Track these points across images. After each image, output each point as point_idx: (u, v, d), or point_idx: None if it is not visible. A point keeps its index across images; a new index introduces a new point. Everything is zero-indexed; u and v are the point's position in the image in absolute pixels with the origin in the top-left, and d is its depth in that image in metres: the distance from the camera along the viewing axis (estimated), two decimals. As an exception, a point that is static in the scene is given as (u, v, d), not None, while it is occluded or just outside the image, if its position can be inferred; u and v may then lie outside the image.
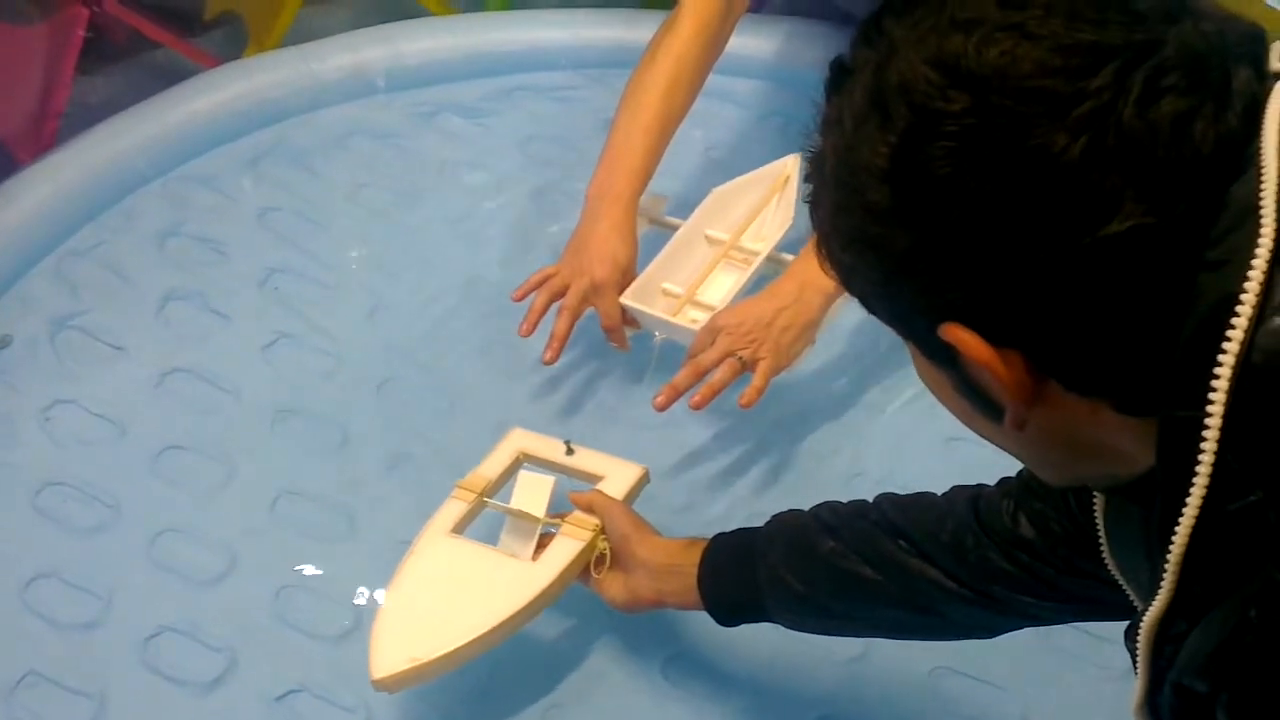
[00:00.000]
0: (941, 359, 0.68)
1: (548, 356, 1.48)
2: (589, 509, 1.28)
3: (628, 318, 1.52)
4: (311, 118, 1.96)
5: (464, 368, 1.63)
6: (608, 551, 1.27)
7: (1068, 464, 0.75)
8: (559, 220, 1.80)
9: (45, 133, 1.86)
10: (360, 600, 1.38)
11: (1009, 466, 0.90)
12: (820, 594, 1.13)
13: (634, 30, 2.03)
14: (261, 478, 1.50)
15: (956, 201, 0.60)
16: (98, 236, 1.77)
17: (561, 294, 1.49)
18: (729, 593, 1.18)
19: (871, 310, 0.70)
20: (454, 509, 1.32)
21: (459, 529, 1.31)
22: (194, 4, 2.14)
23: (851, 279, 0.69)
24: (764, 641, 1.31)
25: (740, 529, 1.21)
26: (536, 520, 1.29)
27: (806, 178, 0.70)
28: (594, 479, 1.35)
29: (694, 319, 1.51)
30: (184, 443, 1.54)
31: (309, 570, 1.41)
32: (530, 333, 1.49)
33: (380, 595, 1.36)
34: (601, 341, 1.55)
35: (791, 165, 1.63)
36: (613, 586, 1.26)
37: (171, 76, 1.99)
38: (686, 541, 1.23)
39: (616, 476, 1.34)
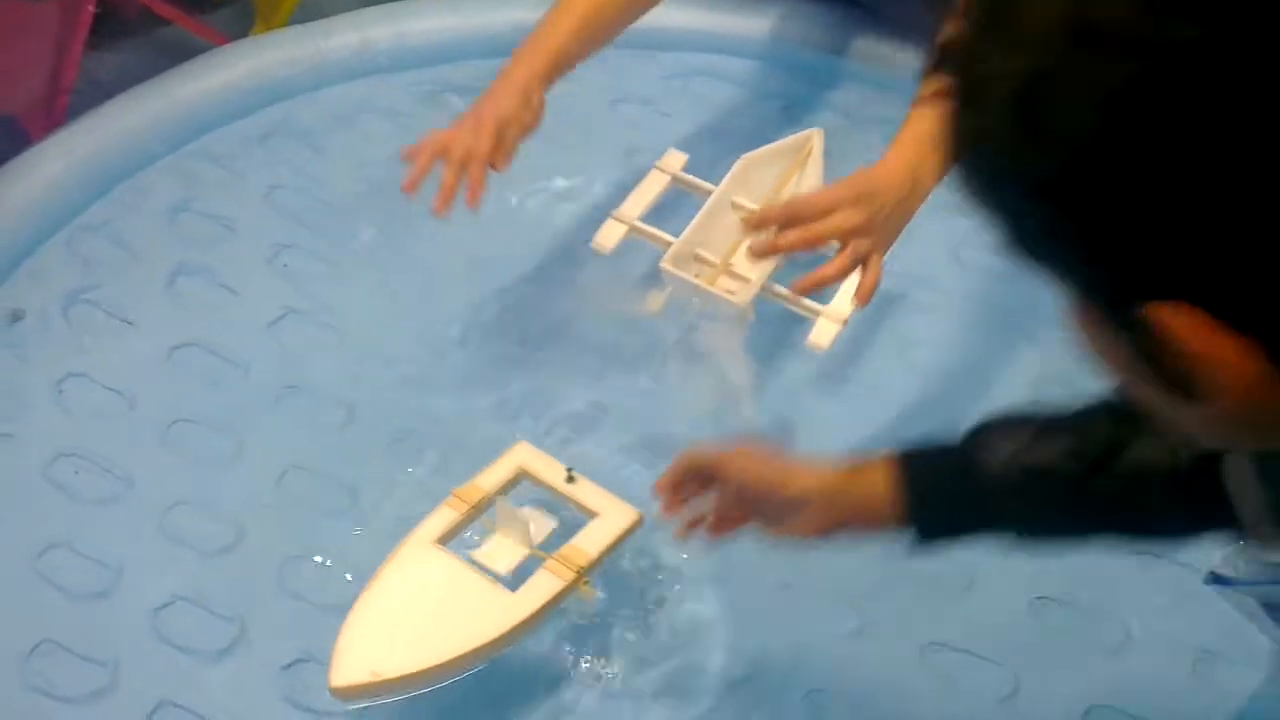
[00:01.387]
0: (1128, 326, 0.56)
1: (437, 207, 1.43)
2: (713, 468, 1.14)
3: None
4: (318, 96, 1.98)
5: (469, 344, 1.66)
6: (590, 596, 1.27)
7: (1258, 440, 0.64)
8: (565, 198, 1.82)
9: (56, 108, 1.88)
10: (364, 574, 1.41)
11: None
12: (1043, 513, 1.03)
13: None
14: (269, 452, 1.53)
15: (1194, 149, 0.50)
16: (109, 212, 1.80)
17: (447, 149, 1.43)
18: (944, 520, 1.05)
19: (1024, 261, 0.59)
20: (444, 517, 1.30)
21: (445, 539, 1.29)
22: (201, -19, 2.16)
23: (1022, 230, 0.58)
24: (755, 618, 1.34)
25: (933, 447, 1.07)
26: (524, 549, 1.29)
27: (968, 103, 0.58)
28: (589, 513, 1.33)
29: (729, 289, 1.50)
30: (193, 416, 1.57)
31: (315, 543, 1.44)
32: (410, 189, 1.44)
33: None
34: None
35: (816, 139, 1.64)
36: (795, 530, 1.10)
37: (181, 54, 2.00)
38: (847, 469, 1.08)
39: (611, 516, 1.31)
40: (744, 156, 1.63)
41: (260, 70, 1.96)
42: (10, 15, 1.79)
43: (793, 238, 1.28)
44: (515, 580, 1.27)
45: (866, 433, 1.53)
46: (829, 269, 1.30)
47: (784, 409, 1.58)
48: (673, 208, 1.64)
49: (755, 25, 2.03)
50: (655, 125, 1.95)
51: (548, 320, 1.54)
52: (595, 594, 1.29)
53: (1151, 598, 1.43)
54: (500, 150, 1.43)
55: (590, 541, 1.29)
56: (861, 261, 1.31)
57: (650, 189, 1.61)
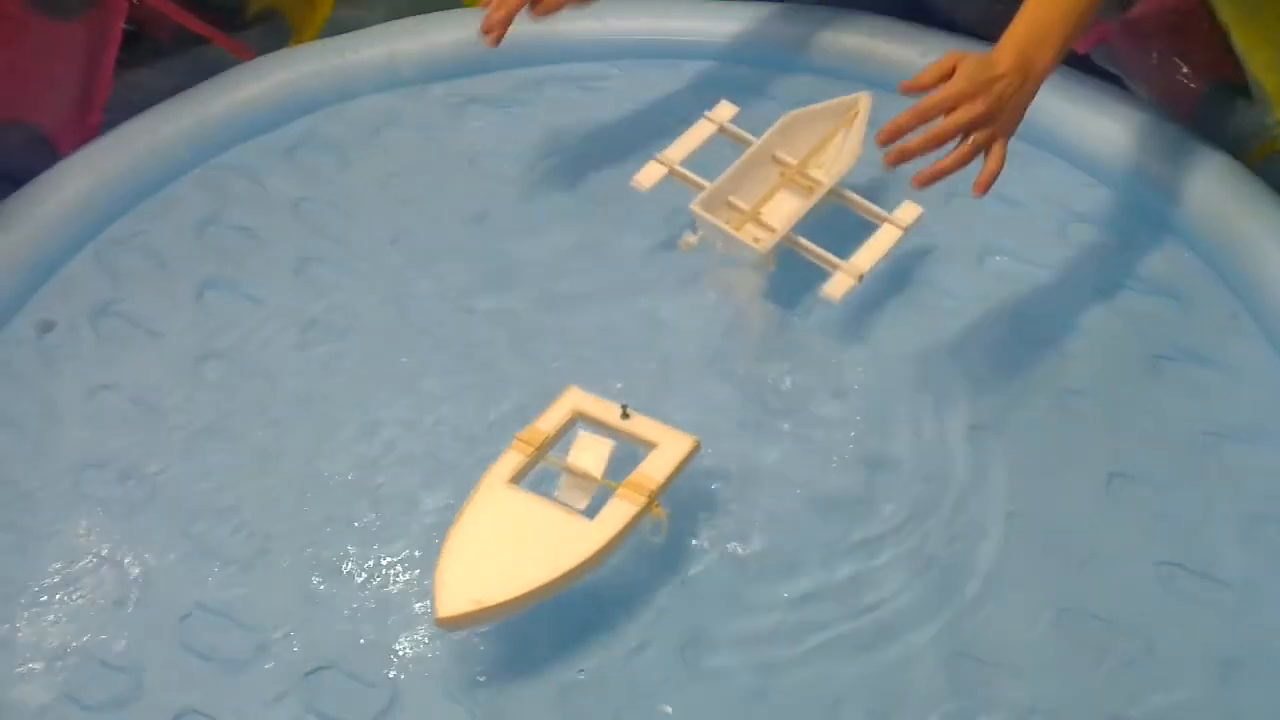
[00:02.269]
0: None
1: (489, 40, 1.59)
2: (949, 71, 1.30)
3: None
4: (344, 109, 2.00)
5: (492, 356, 1.65)
6: (663, 517, 1.33)
7: None
8: (588, 210, 1.82)
9: (89, 125, 1.90)
10: (393, 585, 1.42)
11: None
12: None
13: (663, 20, 2.05)
14: (293, 462, 1.54)
15: None
16: (138, 225, 1.82)
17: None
18: None
19: None
20: (512, 460, 1.36)
21: (516, 480, 1.36)
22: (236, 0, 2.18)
23: None
24: (776, 627, 1.34)
25: None
26: (594, 480, 1.35)
27: None
28: (648, 445, 1.39)
29: (756, 237, 1.57)
30: (220, 426, 1.58)
31: (343, 550, 1.45)
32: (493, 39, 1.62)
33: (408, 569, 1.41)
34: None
35: (864, 102, 1.69)
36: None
37: (215, 72, 2.02)
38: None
39: (669, 445, 1.38)
40: (790, 113, 1.68)
41: (287, 84, 1.98)
42: (40, 32, 1.81)
43: (919, 141, 1.31)
44: (589, 512, 1.33)
45: (870, 378, 1.58)
46: (949, 160, 1.32)
47: (790, 350, 1.62)
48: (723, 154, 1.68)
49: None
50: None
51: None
52: (666, 515, 1.34)
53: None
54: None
55: (655, 468, 1.35)
56: (983, 150, 1.33)
57: (696, 136, 1.69)
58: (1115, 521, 1.43)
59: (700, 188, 1.62)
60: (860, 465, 1.50)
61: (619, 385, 1.54)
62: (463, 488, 1.39)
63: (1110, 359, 1.58)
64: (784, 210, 1.62)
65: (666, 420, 1.41)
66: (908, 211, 1.60)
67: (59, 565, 1.44)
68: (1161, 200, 1.72)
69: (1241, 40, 1.70)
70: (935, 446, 1.51)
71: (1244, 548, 1.39)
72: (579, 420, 1.42)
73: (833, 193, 1.62)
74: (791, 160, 1.65)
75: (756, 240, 1.57)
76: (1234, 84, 1.75)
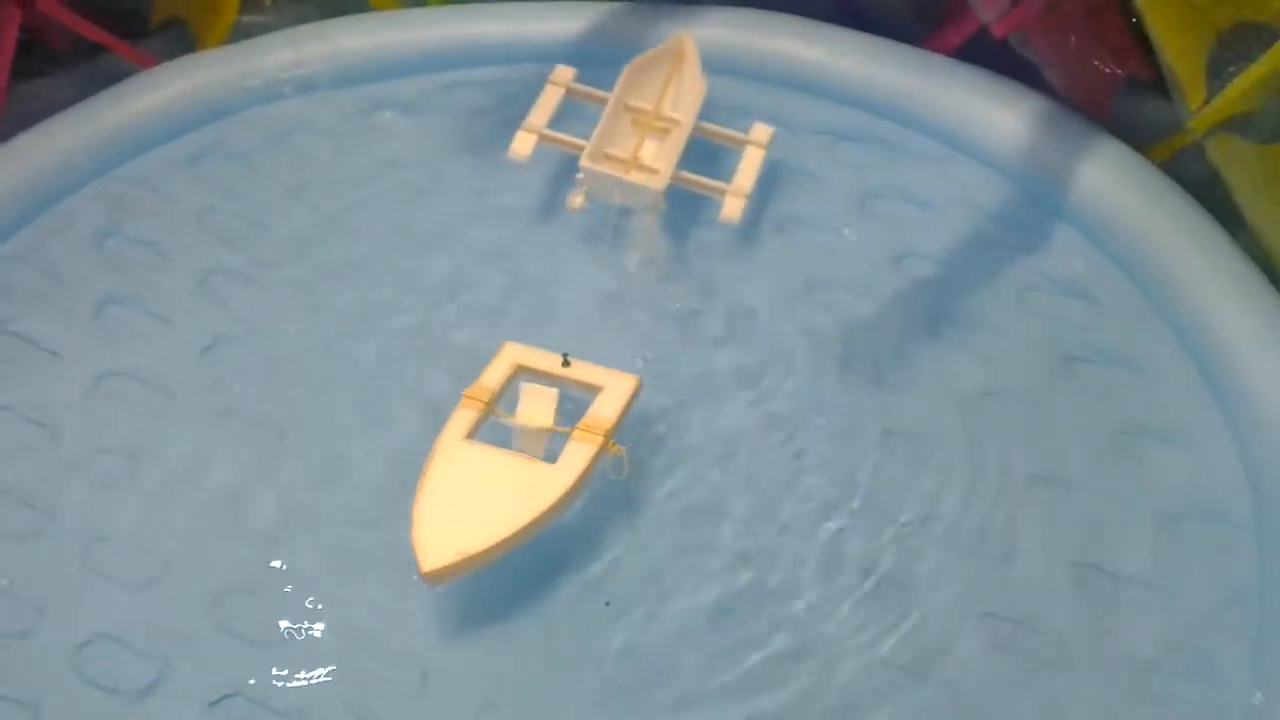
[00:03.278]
0: None
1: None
2: None
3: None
4: (252, 115, 1.94)
5: (401, 364, 1.62)
6: (624, 455, 1.39)
7: None
8: (496, 216, 1.79)
9: (-18, 139, 1.83)
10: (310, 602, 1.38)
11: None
12: None
13: (572, 23, 2.02)
14: (197, 482, 1.49)
15: None
16: (35, 240, 1.76)
17: None
18: None
19: None
20: (465, 417, 1.40)
21: (471, 435, 1.38)
22: (136, 8, 2.11)
23: None
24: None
25: None
26: (547, 427, 1.39)
27: None
28: (592, 389, 1.44)
29: (644, 179, 1.68)
30: (118, 447, 1.53)
31: (245, 575, 1.41)
32: None
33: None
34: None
35: (688, 42, 1.82)
36: None
37: (116, 81, 1.97)
38: None
39: (613, 386, 1.44)
40: (630, 63, 1.79)
41: (190, 91, 1.93)
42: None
43: None
44: (547, 458, 1.38)
45: (777, 288, 1.67)
46: None
47: (705, 275, 1.70)
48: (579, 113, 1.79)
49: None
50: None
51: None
52: (623, 451, 1.40)
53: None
54: None
55: (605, 409, 1.41)
56: None
57: (549, 101, 1.79)
58: (1031, 522, 1.43)
59: (574, 147, 1.73)
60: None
61: (551, 342, 1.53)
62: (380, 502, 1.37)
63: (1024, 360, 1.58)
64: (658, 152, 1.73)
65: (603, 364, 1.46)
66: (761, 132, 1.77)
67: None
68: (1071, 200, 1.73)
69: (1156, 25, 1.70)
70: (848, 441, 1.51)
71: (1155, 542, 1.40)
72: (522, 373, 1.46)
73: (696, 129, 1.75)
74: (647, 106, 1.77)
75: (647, 179, 1.67)
76: (1151, 77, 1.76)
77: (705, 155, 1.74)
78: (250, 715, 1.30)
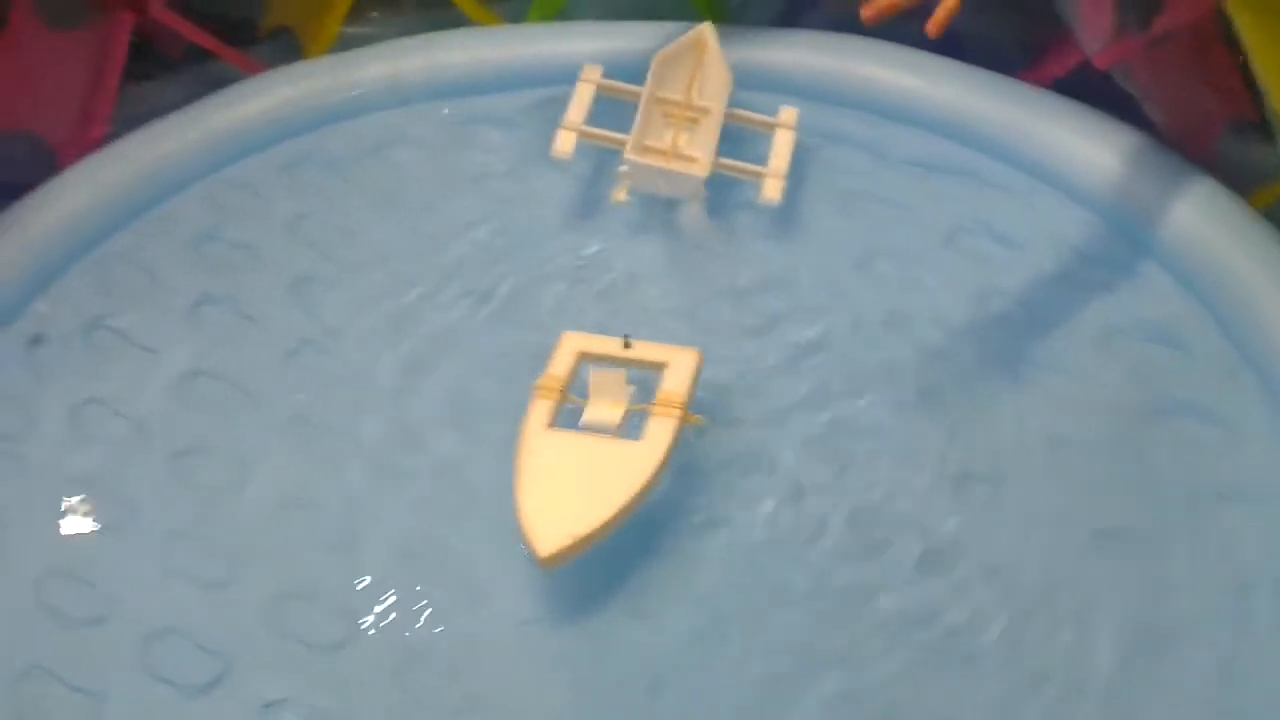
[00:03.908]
0: None
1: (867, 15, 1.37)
2: None
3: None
4: (348, 126, 1.99)
5: (475, 378, 1.64)
6: (701, 423, 1.44)
7: None
8: (585, 233, 1.81)
9: (91, 137, 1.91)
10: (366, 611, 1.41)
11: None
12: None
13: (663, 43, 2.03)
14: (273, 484, 1.53)
15: None
16: (136, 240, 1.83)
17: None
18: None
19: None
20: (541, 407, 1.44)
21: (552, 424, 1.42)
22: (247, 16, 2.18)
23: None
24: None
25: None
26: (622, 408, 1.44)
27: None
28: (658, 367, 1.49)
29: (687, 167, 1.75)
30: (202, 445, 1.57)
31: (305, 574, 1.44)
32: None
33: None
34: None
35: (708, 31, 1.86)
36: None
37: (224, 86, 2.03)
38: None
39: (678, 363, 1.48)
40: (657, 56, 1.84)
41: (291, 100, 1.98)
42: (43, 42, 1.82)
43: None
44: (628, 436, 1.42)
45: (817, 269, 1.73)
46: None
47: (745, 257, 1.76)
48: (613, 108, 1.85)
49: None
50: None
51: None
52: (702, 420, 1.45)
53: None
54: None
55: (675, 384, 1.45)
56: None
57: (583, 98, 1.85)
58: (1101, 580, 1.39)
59: (614, 142, 1.79)
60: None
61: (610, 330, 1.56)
62: (442, 507, 1.43)
63: (1104, 407, 1.54)
64: (694, 140, 1.79)
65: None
66: (788, 114, 1.83)
67: (29, 581, 1.43)
68: (1164, 241, 1.68)
69: (1263, 66, 1.64)
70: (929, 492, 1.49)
71: (1230, 616, 1.35)
72: (584, 359, 1.50)
73: (728, 116, 1.82)
74: (678, 97, 1.82)
75: (693, 169, 1.74)
76: (1257, 120, 1.70)
77: (732, 140, 1.83)
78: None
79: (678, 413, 1.42)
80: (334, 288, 1.77)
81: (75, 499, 1.52)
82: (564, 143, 1.79)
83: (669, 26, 2.04)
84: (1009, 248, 1.74)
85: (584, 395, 1.47)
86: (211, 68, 2.13)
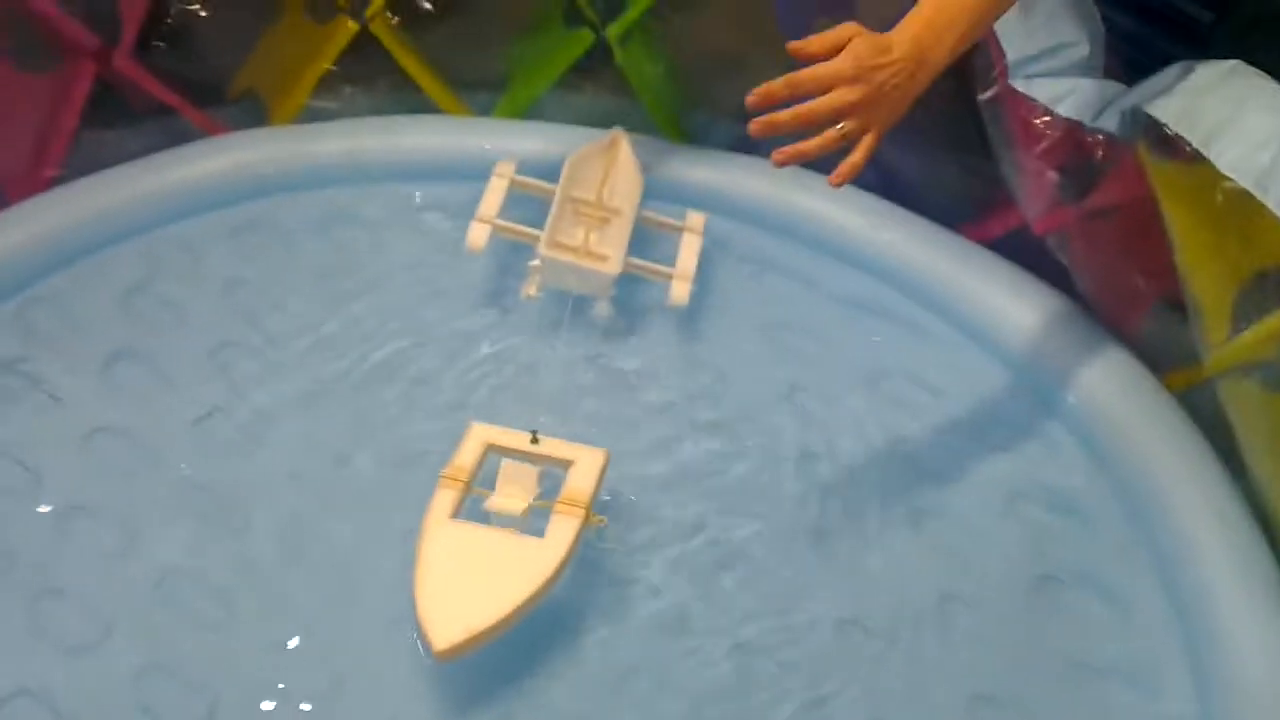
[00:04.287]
0: None
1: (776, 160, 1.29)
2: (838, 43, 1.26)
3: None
4: (300, 197, 2.01)
5: (382, 463, 1.64)
6: (603, 523, 1.44)
7: None
8: (505, 326, 1.83)
9: (41, 178, 1.91)
10: (230, 692, 1.38)
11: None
12: None
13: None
14: (155, 553, 1.51)
15: None
16: (66, 286, 1.82)
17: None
18: None
19: None
20: (446, 498, 1.43)
21: (455, 515, 1.42)
22: (215, 75, 2.20)
23: None
24: None
25: None
26: (527, 503, 1.43)
27: None
28: (563, 464, 1.49)
29: (599, 264, 1.79)
30: (93, 504, 1.55)
31: (175, 649, 1.41)
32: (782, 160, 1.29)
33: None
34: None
35: (620, 137, 1.95)
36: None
37: (184, 141, 2.04)
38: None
39: (584, 461, 1.49)
40: (570, 157, 1.91)
41: (246, 164, 2.00)
42: (6, 83, 1.84)
43: (786, 117, 1.25)
44: (530, 532, 1.41)
45: (731, 388, 1.76)
46: (812, 144, 1.27)
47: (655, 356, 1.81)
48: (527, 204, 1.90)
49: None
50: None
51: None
52: (604, 521, 1.45)
53: None
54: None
55: (580, 482, 1.46)
56: (849, 140, 1.28)
57: (495, 193, 1.89)
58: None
59: (526, 236, 1.84)
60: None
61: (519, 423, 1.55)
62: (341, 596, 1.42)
63: (999, 570, 1.54)
64: (605, 239, 1.85)
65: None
66: (696, 219, 1.90)
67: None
68: (1078, 412, 1.70)
69: (1188, 252, 1.67)
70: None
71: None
72: (491, 451, 1.50)
73: (642, 220, 1.88)
74: (590, 196, 1.89)
75: (605, 266, 1.78)
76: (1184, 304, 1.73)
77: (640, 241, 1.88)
78: None
79: (581, 512, 1.42)
80: (255, 358, 1.77)
81: (-48, 544, 1.49)
82: (476, 235, 1.82)
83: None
84: (929, 396, 1.76)
85: (489, 486, 1.47)
86: (176, 123, 2.14)
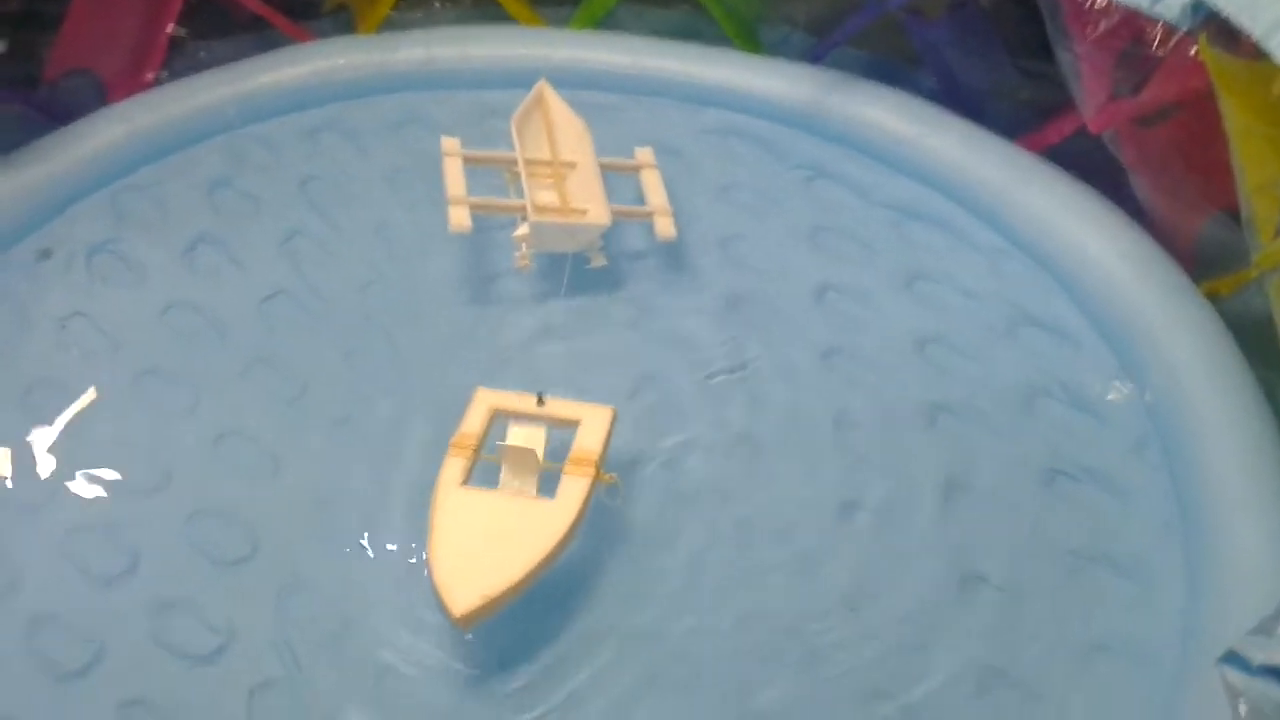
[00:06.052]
0: None
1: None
2: None
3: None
4: (375, 101, 2.12)
5: (423, 351, 1.73)
6: (618, 482, 1.43)
7: None
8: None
9: (143, 81, 2.08)
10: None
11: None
12: None
13: (682, 63, 2.12)
14: (217, 414, 1.65)
15: None
16: (157, 176, 1.97)
17: None
18: None
19: None
20: (456, 464, 1.44)
21: (466, 481, 1.43)
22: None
23: None
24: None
25: None
26: (537, 466, 1.43)
27: None
28: (570, 424, 1.48)
29: (590, 219, 1.76)
30: (164, 368, 1.70)
31: (236, 498, 1.54)
32: None
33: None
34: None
35: (546, 88, 1.94)
36: None
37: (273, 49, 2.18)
38: None
39: (591, 420, 1.47)
40: (514, 118, 1.88)
41: (324, 71, 2.12)
42: (111, -4, 2.01)
43: None
44: (542, 494, 1.42)
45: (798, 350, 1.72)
46: None
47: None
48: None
49: (792, 91, 2.07)
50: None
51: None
52: (616, 479, 1.44)
53: None
54: None
55: (588, 442, 1.45)
56: None
57: (455, 171, 1.84)
58: (956, 620, 1.41)
59: (505, 209, 1.80)
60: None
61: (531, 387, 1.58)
62: (376, 459, 1.52)
63: (1011, 463, 1.56)
64: (578, 193, 1.81)
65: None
66: (645, 154, 1.91)
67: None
68: (1115, 320, 1.69)
69: (1243, 148, 1.64)
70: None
71: (1074, 674, 1.36)
72: (499, 415, 1.50)
73: (604, 166, 1.85)
74: (544, 156, 1.87)
75: (596, 219, 1.76)
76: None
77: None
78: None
79: (591, 471, 1.41)
80: (321, 248, 1.88)
81: (41, 395, 1.65)
82: (459, 218, 1.77)
83: (680, 46, 2.13)
84: (962, 298, 1.77)
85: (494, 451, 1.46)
86: (271, 34, 2.28)
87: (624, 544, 1.47)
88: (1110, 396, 1.63)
